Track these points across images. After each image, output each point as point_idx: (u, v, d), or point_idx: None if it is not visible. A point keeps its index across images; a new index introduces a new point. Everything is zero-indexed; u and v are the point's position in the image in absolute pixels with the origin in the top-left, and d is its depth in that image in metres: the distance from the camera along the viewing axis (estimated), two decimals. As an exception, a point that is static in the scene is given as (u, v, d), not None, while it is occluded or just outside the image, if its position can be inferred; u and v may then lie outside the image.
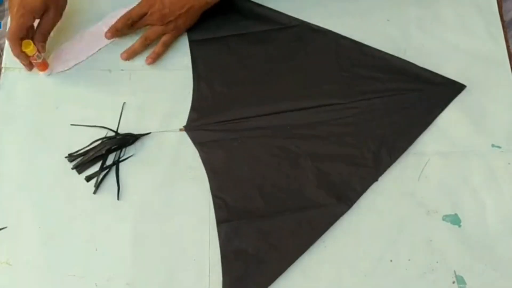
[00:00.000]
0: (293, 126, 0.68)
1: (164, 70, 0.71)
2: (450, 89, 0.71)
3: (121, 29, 0.69)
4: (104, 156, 0.65)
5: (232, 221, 0.63)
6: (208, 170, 0.65)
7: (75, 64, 0.70)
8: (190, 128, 0.68)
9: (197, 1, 0.68)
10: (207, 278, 0.61)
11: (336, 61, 0.72)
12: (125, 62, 0.71)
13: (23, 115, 0.68)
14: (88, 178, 0.65)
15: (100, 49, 0.71)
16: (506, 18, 0.77)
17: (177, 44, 0.72)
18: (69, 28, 0.72)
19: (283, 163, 0.66)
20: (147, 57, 0.70)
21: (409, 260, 0.62)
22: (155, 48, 0.70)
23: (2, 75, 0.70)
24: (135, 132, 0.67)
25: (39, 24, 0.66)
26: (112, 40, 0.70)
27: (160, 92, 0.70)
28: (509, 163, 0.67)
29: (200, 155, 0.66)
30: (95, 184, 0.64)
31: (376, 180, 0.65)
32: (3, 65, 0.71)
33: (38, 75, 0.70)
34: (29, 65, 0.68)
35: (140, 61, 0.71)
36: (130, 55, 0.70)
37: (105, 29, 0.69)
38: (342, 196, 0.64)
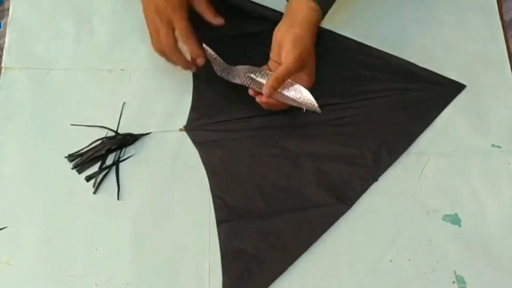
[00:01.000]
0: (293, 126, 0.68)
1: (164, 70, 0.71)
2: (450, 89, 0.71)
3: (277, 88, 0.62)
4: (104, 156, 0.65)
5: (232, 221, 0.63)
6: (208, 170, 0.65)
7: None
8: (190, 128, 0.68)
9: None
10: (207, 278, 0.61)
11: (336, 60, 0.72)
12: (125, 62, 0.71)
13: (23, 115, 0.68)
14: (88, 178, 0.65)
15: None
16: (506, 18, 0.77)
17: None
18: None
19: (283, 163, 0.66)
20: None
21: (409, 260, 0.62)
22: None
23: (2, 75, 0.70)
24: (135, 132, 0.67)
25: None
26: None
27: (160, 92, 0.70)
28: (509, 163, 0.67)
29: (200, 155, 0.66)
30: (95, 184, 0.64)
31: (376, 180, 0.65)
32: (3, 65, 0.70)
33: (38, 75, 0.70)
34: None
35: (140, 61, 0.71)
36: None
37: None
38: (342, 196, 0.64)
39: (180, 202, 0.64)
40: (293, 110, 0.67)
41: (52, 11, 0.74)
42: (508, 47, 0.74)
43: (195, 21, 0.73)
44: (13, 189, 0.64)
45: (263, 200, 0.64)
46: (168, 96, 0.70)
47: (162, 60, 0.67)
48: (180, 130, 0.68)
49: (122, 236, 0.62)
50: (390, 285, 0.61)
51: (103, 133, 0.67)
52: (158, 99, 0.69)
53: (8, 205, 0.63)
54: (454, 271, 0.62)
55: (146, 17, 0.66)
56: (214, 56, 0.66)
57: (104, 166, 0.65)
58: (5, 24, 0.73)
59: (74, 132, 0.67)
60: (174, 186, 0.65)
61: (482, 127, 0.69)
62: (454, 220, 0.64)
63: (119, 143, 0.66)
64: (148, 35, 0.67)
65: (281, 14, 0.74)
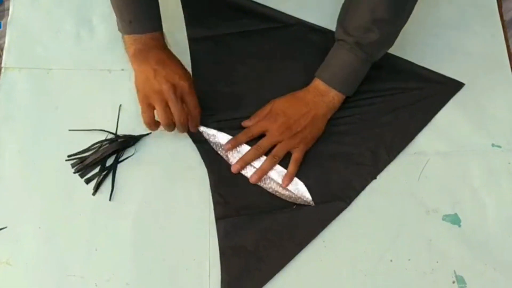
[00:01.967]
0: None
1: (164, 70, 0.70)
2: (448, 87, 0.71)
3: (241, 142, 0.65)
4: (104, 159, 0.65)
5: (231, 217, 0.63)
6: (208, 168, 0.65)
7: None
8: (190, 127, 0.68)
9: (318, 108, 0.65)
10: (207, 278, 0.61)
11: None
12: (125, 62, 0.70)
13: (23, 115, 0.68)
14: (88, 181, 0.64)
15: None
16: (506, 18, 0.77)
17: (176, 42, 0.71)
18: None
19: (283, 161, 0.66)
20: (283, 180, 0.64)
21: (409, 260, 0.62)
22: (289, 168, 0.65)
23: (2, 75, 0.70)
24: (135, 131, 0.67)
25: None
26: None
27: (160, 92, 0.70)
28: (509, 163, 0.67)
29: (200, 153, 0.66)
30: (95, 186, 0.64)
31: (375, 178, 0.66)
32: (3, 65, 0.71)
33: (38, 75, 0.70)
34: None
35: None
36: (258, 175, 0.64)
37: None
38: (341, 194, 0.64)
39: (180, 202, 0.64)
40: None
41: (52, 11, 0.74)
42: (508, 47, 0.74)
43: (192, 20, 0.74)
44: (13, 189, 0.64)
45: (262, 196, 0.64)
46: (168, 96, 0.70)
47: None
48: (180, 130, 0.67)
49: (122, 236, 0.62)
50: (390, 285, 0.61)
51: (103, 133, 0.67)
52: (158, 99, 0.69)
53: (8, 205, 0.63)
54: (454, 271, 0.62)
55: (142, 90, 0.61)
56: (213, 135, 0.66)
57: (104, 167, 0.65)
58: (5, 24, 0.73)
59: (74, 132, 0.67)
60: (174, 185, 0.65)
61: (482, 127, 0.69)
62: (454, 220, 0.64)
63: (120, 146, 0.66)
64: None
65: (281, 13, 0.74)
